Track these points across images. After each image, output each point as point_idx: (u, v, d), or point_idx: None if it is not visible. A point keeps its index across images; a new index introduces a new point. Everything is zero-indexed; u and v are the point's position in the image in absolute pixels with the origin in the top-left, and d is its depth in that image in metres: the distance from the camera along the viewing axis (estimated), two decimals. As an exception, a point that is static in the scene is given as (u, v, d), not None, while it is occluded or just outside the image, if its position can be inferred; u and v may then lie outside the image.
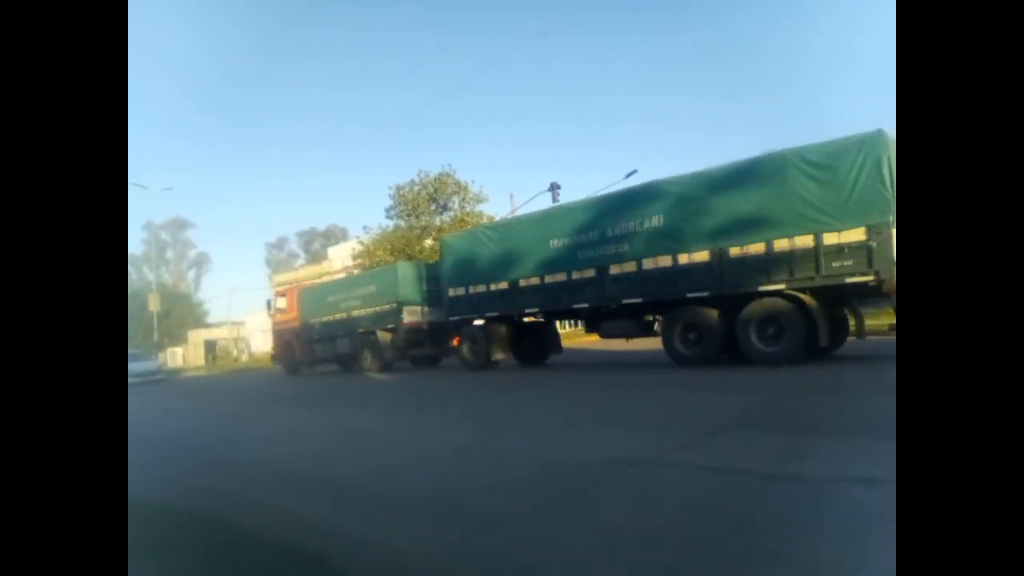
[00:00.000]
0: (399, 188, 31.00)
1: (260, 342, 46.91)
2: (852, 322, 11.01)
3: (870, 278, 9.14)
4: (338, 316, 19.99)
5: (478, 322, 15.35)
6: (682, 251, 11.20)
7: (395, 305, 17.76)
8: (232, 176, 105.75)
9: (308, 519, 3.94)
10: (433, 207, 31.17)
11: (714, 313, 10.86)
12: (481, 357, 15.15)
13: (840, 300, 10.36)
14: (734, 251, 10.50)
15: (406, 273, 18.27)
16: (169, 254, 64.44)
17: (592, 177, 64.40)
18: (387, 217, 31.68)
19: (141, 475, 5.82)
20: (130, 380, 24.62)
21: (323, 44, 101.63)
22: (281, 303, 22.75)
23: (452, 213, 31.11)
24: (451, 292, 15.67)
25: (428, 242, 29.48)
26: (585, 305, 12.93)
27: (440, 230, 30.14)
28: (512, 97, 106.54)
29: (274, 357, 24.40)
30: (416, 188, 30.76)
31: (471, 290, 15.13)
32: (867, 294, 9.89)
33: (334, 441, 7.36)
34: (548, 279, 13.38)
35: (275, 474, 5.65)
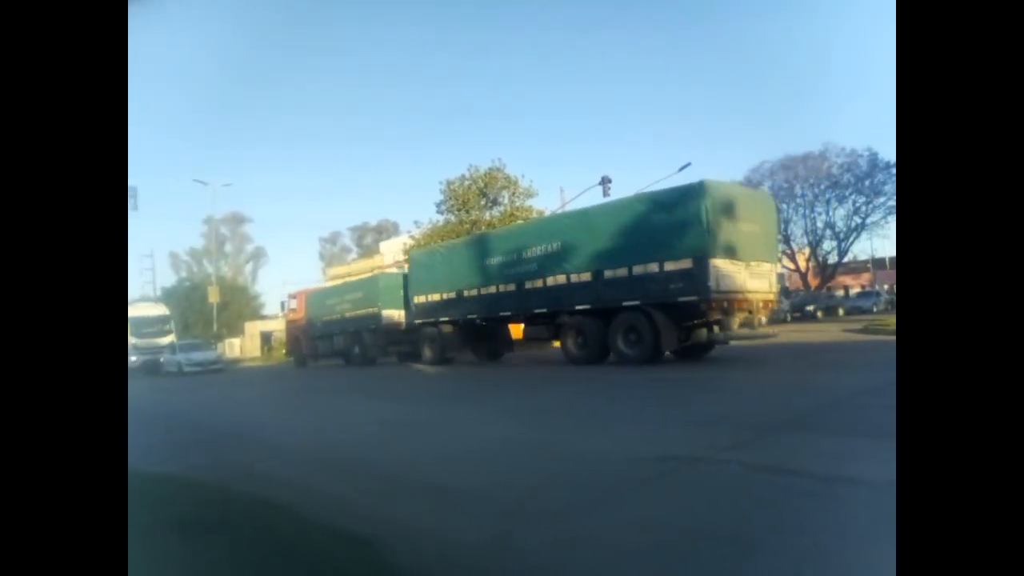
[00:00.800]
0: (449, 183, 31.07)
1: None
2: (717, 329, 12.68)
3: (694, 298, 11.58)
4: (335, 317, 23.22)
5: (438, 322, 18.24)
6: (572, 272, 13.89)
7: (376, 309, 21.00)
8: (287, 172, 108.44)
9: (358, 505, 4.04)
10: (483, 201, 31.11)
11: (595, 321, 13.45)
12: (438, 353, 18.10)
13: (688, 314, 12.27)
14: (607, 273, 13.13)
15: (386, 282, 21.74)
16: (228, 248, 66.62)
17: (644, 171, 63.64)
18: (437, 212, 31.78)
19: (200, 458, 6.00)
20: (191, 369, 25.62)
21: (373, 40, 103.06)
22: (292, 304, 26.28)
23: (502, 208, 31.01)
24: (415, 299, 18.72)
25: (478, 236, 29.55)
26: (509, 313, 15.82)
27: (490, 224, 30.12)
28: (564, 89, 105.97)
29: (286, 351, 28.33)
30: (466, 183, 30.76)
31: (429, 298, 18.09)
32: (697, 311, 11.99)
33: (378, 431, 7.43)
34: (483, 291, 16.23)
35: (324, 461, 5.78)
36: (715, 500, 3.70)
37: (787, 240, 43.67)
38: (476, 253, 16.72)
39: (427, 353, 18.49)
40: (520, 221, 19.24)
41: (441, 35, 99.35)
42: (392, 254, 39.49)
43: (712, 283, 11.28)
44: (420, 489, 4.52)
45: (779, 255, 15.01)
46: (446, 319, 17.64)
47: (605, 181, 26.61)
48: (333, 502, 4.10)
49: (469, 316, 16.95)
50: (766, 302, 12.86)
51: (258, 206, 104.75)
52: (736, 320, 12.08)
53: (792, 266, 46.18)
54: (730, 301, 11.81)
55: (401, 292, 20.53)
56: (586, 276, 13.58)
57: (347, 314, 22.47)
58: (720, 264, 11.49)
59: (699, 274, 11.40)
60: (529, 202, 30.98)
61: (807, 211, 43.40)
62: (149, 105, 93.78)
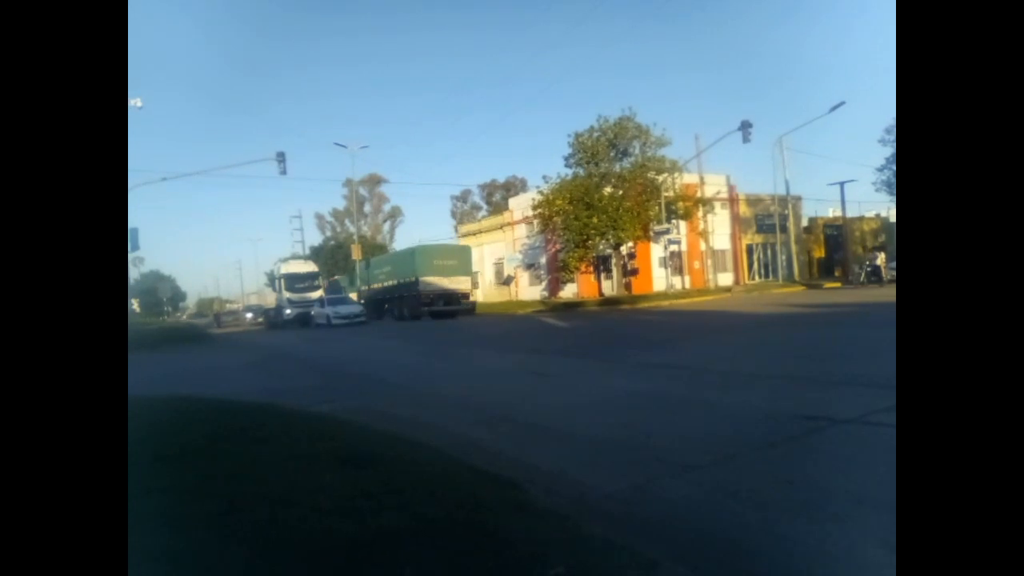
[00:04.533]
0: (578, 135, 30.46)
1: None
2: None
3: (417, 293, 27.99)
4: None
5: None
6: (392, 280, 31.38)
7: (345, 293, 35.78)
8: (419, 131, 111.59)
9: (500, 451, 4.15)
10: (613, 153, 30.36)
11: (399, 301, 29.94)
12: (370, 316, 30.77)
13: (421, 300, 27.74)
14: (400, 281, 30.31)
15: (344, 281, 39.62)
16: (367, 208, 70.14)
17: (790, 111, 58.49)
18: (566, 166, 31.35)
19: (351, 401, 6.43)
20: (338, 321, 27.47)
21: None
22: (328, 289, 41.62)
23: (633, 159, 30.14)
24: (361, 287, 35.51)
25: (607, 190, 28.91)
26: (384, 297, 31.97)
27: (620, 177, 29.41)
28: (701, 31, 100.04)
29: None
30: (595, 135, 30.10)
31: (367, 287, 34.88)
32: (423, 298, 27.63)
33: (518, 380, 7.56)
34: (377, 285, 33.18)
35: (459, 406, 6.02)
36: (867, 464, 3.44)
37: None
38: (375, 265, 34.88)
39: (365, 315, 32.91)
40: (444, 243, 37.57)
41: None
42: (521, 210, 39.77)
43: (422, 288, 27.61)
44: (555, 436, 4.58)
45: (471, 272, 31.14)
46: (375, 297, 33.40)
47: (745, 126, 25.06)
48: (472, 444, 4.26)
49: (376, 298, 33.08)
50: (464, 294, 29.22)
51: (393, 167, 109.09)
52: (442, 301, 27.65)
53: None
54: (436, 294, 27.69)
55: (357, 283, 36.86)
56: (393, 282, 30.92)
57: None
58: (427, 279, 27.79)
59: (416, 284, 27.86)
60: (662, 151, 29.88)
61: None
62: (295, 76, 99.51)
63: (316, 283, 34.60)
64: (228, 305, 79.79)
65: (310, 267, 36.32)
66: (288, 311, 32.27)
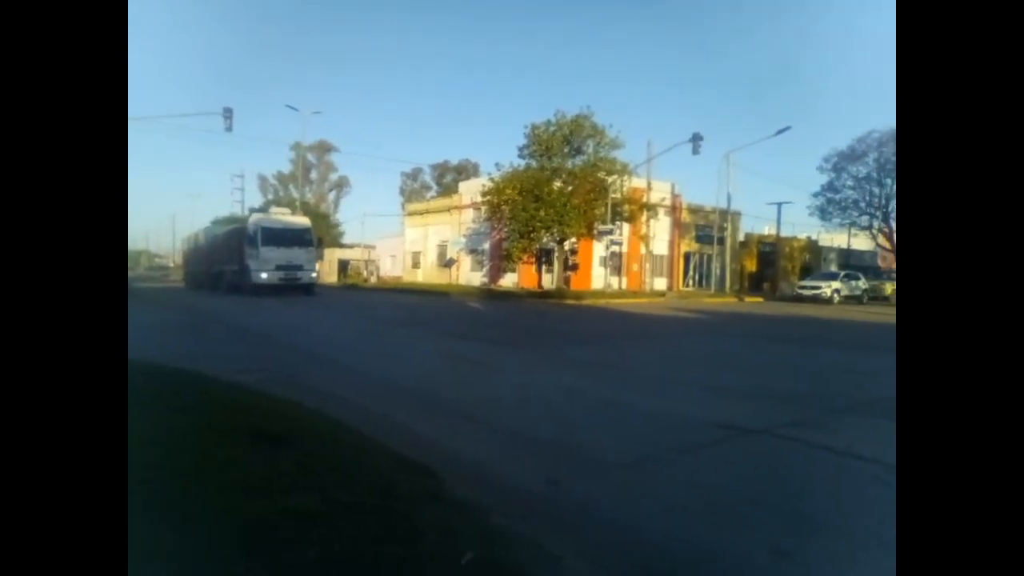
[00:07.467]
0: (534, 127, 30.39)
1: (388, 266, 49.37)
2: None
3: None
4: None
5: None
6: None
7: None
8: (374, 103, 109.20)
9: (421, 436, 4.18)
10: (566, 149, 30.46)
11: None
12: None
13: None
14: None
15: None
16: (313, 175, 68.40)
17: (737, 130, 60.79)
18: (519, 156, 31.23)
19: (277, 372, 6.31)
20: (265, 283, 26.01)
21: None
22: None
23: (585, 157, 30.33)
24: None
25: (557, 184, 29.05)
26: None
27: (571, 174, 29.60)
28: (660, 38, 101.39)
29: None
30: (551, 129, 30.13)
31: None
32: None
33: (448, 366, 7.59)
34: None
35: (390, 388, 6.00)
36: (769, 473, 3.66)
37: (886, 218, 39.43)
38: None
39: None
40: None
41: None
42: (470, 195, 39.50)
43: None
44: (477, 426, 4.64)
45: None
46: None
47: (696, 138, 25.63)
48: (394, 427, 4.27)
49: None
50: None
51: (345, 137, 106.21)
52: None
53: (889, 246, 41.32)
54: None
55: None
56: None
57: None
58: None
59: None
60: (614, 153, 30.17)
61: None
62: (251, 32, 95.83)
63: (308, 238, 26.21)
64: (157, 260, 76.39)
65: (302, 221, 27.47)
66: (264, 275, 23.95)
